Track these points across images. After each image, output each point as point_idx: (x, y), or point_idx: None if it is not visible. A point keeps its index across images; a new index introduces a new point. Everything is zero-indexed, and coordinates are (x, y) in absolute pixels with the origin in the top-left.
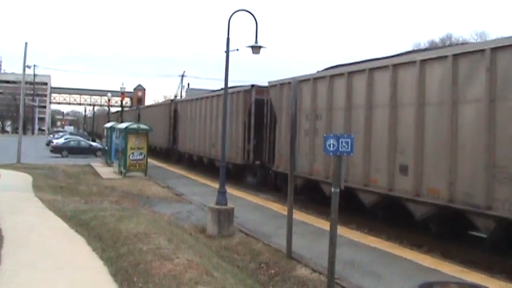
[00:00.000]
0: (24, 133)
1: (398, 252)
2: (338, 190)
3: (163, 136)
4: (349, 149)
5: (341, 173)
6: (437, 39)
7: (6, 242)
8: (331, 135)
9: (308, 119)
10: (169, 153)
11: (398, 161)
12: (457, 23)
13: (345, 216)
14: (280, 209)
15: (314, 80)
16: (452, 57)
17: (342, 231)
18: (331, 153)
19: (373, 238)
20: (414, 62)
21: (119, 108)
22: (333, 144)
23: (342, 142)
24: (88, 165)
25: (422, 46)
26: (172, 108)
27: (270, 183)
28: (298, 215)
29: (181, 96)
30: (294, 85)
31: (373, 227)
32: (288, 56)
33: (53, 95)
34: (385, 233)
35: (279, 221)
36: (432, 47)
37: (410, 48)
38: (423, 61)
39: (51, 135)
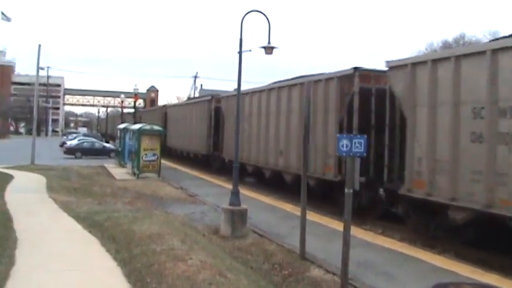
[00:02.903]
0: (38, 134)
1: (412, 253)
2: (351, 191)
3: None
4: (362, 150)
5: (355, 173)
6: (450, 39)
7: (20, 243)
8: (345, 135)
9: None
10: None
11: None
12: (470, 22)
13: (359, 217)
14: (293, 209)
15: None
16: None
17: (355, 231)
18: (344, 154)
19: (386, 239)
20: None
21: (132, 110)
22: (346, 144)
23: (355, 143)
24: (101, 167)
25: (436, 46)
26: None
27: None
28: (312, 216)
29: (194, 97)
30: (308, 90)
31: (386, 228)
32: (304, 56)
33: (67, 96)
34: (399, 233)
35: (292, 221)
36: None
37: (423, 49)
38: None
39: (65, 137)
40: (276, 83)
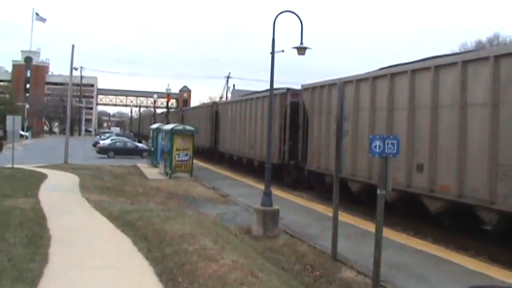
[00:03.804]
0: (71, 134)
1: (445, 255)
2: (384, 192)
3: None
4: (395, 151)
5: (388, 174)
6: (484, 39)
7: (54, 242)
8: (377, 136)
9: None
10: None
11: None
12: (504, 22)
13: (391, 218)
14: (325, 210)
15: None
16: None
17: (387, 233)
18: (377, 155)
19: (419, 240)
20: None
21: (165, 110)
22: (378, 145)
23: (388, 143)
24: (134, 166)
25: (470, 46)
26: None
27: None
28: (344, 217)
29: (226, 98)
30: (341, 87)
31: (419, 230)
32: (334, 57)
33: (100, 96)
34: (431, 235)
35: (324, 222)
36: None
37: (456, 49)
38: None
39: (98, 136)
40: (400, 65)
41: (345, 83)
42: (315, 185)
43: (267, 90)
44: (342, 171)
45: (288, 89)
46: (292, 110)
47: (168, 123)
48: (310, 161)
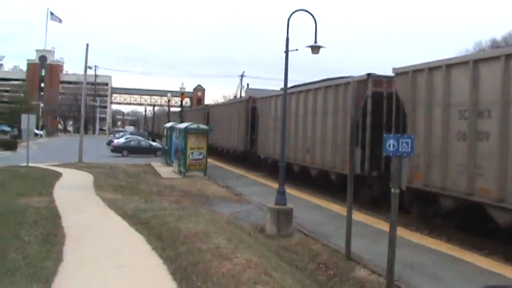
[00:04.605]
0: (86, 133)
1: (459, 255)
2: (398, 191)
3: None
4: (409, 150)
5: (401, 173)
6: (499, 38)
7: (68, 240)
8: (391, 135)
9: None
10: None
11: None
12: None
13: (405, 218)
14: (339, 209)
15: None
16: None
17: (401, 232)
18: (391, 154)
19: (433, 240)
20: None
21: (179, 109)
22: (393, 144)
23: (402, 142)
24: (148, 165)
25: (484, 45)
26: None
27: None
28: (358, 216)
29: (240, 96)
30: (353, 85)
31: (433, 229)
32: (347, 57)
33: (114, 95)
34: (446, 235)
35: (338, 221)
36: None
37: (471, 48)
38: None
39: (112, 135)
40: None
41: (477, 61)
42: (414, 208)
43: (326, 79)
44: (476, 191)
45: (369, 75)
46: (374, 103)
47: (182, 121)
48: (412, 174)
